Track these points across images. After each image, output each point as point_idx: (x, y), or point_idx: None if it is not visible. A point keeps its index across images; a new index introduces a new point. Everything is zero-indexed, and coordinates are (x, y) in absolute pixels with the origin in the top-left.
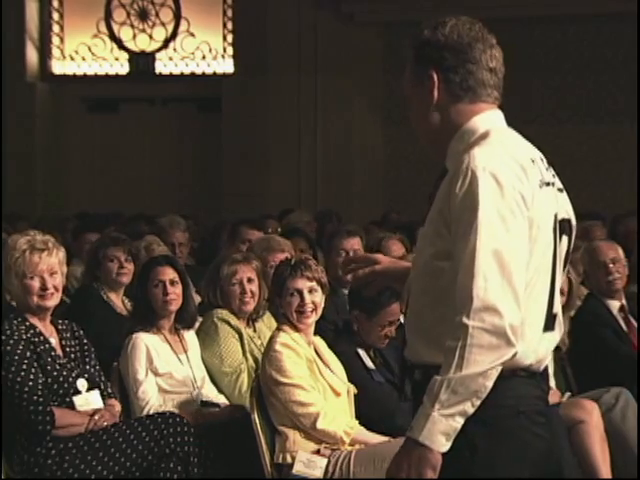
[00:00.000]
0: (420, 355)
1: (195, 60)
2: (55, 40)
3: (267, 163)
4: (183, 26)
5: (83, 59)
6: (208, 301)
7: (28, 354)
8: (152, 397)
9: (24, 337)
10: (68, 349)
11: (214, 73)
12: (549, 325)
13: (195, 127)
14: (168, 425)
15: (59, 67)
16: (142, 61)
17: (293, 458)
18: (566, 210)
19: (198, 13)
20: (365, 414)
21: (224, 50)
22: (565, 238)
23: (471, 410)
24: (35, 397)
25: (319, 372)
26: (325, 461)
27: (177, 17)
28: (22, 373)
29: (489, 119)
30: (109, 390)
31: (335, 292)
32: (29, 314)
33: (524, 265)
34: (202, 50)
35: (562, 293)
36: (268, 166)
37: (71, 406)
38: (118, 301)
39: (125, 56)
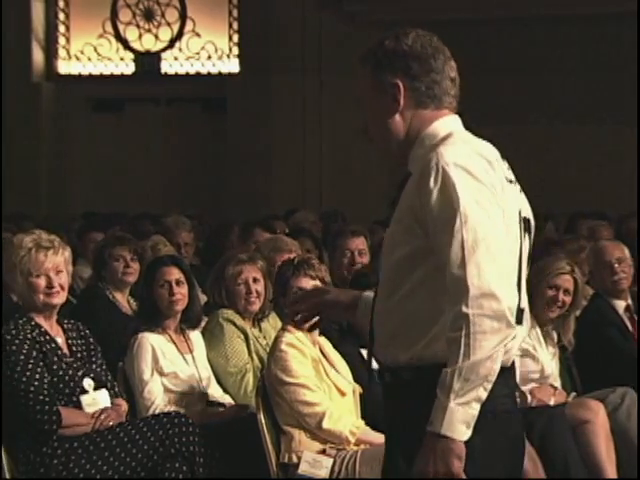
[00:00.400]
0: (390, 357)
1: (200, 60)
2: (61, 40)
3: (271, 163)
4: (189, 26)
5: (89, 59)
6: (214, 301)
7: (34, 353)
8: (158, 397)
9: (29, 336)
10: (74, 348)
11: (219, 73)
12: (518, 319)
13: (200, 127)
14: (173, 425)
15: (65, 67)
16: (147, 61)
17: (299, 458)
18: (527, 209)
19: (204, 13)
20: (370, 414)
21: (229, 50)
22: (527, 236)
23: (484, 395)
24: (41, 397)
25: (324, 372)
26: (331, 461)
27: (183, 17)
28: (28, 373)
29: (448, 123)
30: (116, 389)
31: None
32: (35, 313)
33: (508, 250)
34: (207, 50)
35: (568, 293)
36: (272, 166)
37: (78, 405)
38: (124, 301)
39: (130, 56)
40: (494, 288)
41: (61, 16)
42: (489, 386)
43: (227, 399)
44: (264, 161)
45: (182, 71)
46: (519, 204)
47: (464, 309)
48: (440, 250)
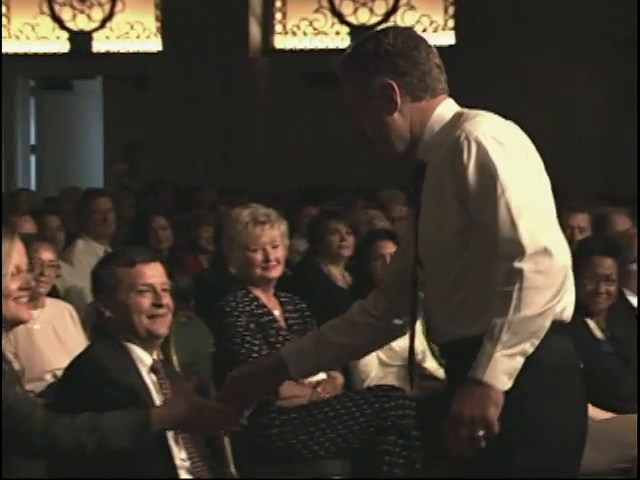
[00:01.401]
0: (455, 334)
1: None
2: None
3: None
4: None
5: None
6: None
7: (252, 326)
8: (373, 370)
9: (247, 309)
10: (291, 321)
11: None
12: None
13: None
14: (389, 398)
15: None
16: None
17: None
18: None
19: None
20: (590, 388)
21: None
22: None
23: (531, 350)
24: None
25: None
26: None
27: None
28: (246, 345)
29: (449, 106)
30: None
31: None
32: (252, 286)
33: (551, 210)
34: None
35: None
36: None
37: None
38: (339, 274)
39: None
40: (548, 245)
41: None
42: (537, 342)
43: (441, 373)
44: None
45: None
46: None
47: (517, 264)
48: (487, 220)
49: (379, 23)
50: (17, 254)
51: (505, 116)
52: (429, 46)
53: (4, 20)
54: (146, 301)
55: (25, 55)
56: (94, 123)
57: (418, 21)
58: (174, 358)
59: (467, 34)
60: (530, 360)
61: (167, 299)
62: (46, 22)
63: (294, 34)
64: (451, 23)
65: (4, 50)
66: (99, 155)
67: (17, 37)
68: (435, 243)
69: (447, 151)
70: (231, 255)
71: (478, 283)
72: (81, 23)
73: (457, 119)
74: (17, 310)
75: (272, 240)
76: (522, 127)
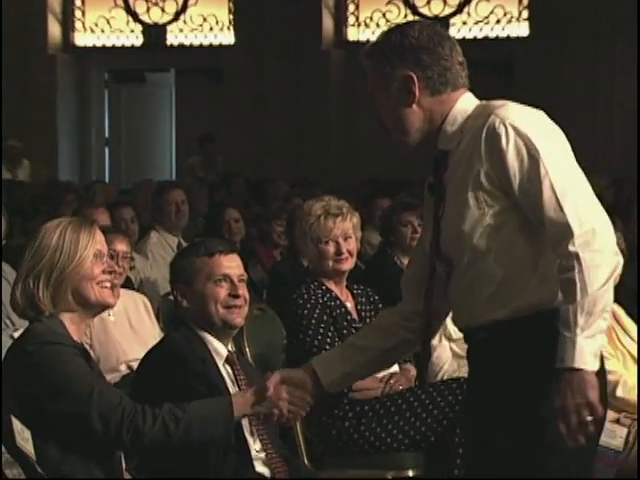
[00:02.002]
0: (487, 315)
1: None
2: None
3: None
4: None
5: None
6: None
7: (325, 318)
8: (446, 362)
9: (320, 301)
10: (363, 314)
11: None
12: None
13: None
14: (463, 391)
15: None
16: None
17: None
18: None
19: None
20: None
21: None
22: None
23: (605, 325)
24: None
25: (618, 339)
26: (625, 431)
27: None
28: (319, 337)
29: (471, 99)
30: None
31: (632, 259)
32: (325, 278)
33: (590, 189)
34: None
35: None
36: (562, 130)
37: None
38: None
39: None
40: (595, 224)
41: None
42: (608, 316)
43: None
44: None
45: None
46: None
47: (572, 248)
48: (531, 202)
49: (452, 14)
50: (98, 241)
51: (578, 108)
52: (453, 43)
53: (79, 13)
54: (223, 291)
55: (100, 48)
56: (167, 116)
57: (492, 12)
58: (247, 350)
59: (541, 25)
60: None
61: (243, 290)
62: (120, 15)
63: (367, 26)
64: (525, 14)
65: (79, 43)
66: (171, 148)
67: (92, 30)
68: (463, 231)
69: (478, 138)
70: (304, 247)
71: (509, 268)
72: (155, 16)
73: (483, 109)
74: (102, 294)
75: (344, 232)
76: (596, 119)
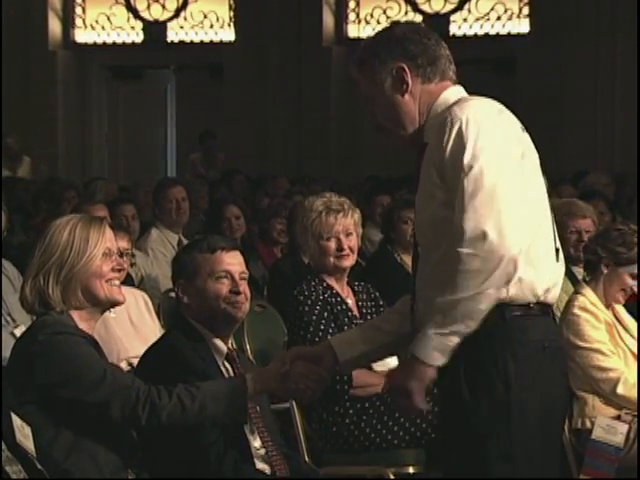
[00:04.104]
0: None
1: None
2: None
3: (562, 124)
4: None
5: None
6: None
7: (325, 314)
8: None
9: (321, 297)
10: (364, 310)
11: None
12: (557, 257)
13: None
14: None
15: None
16: None
17: (592, 423)
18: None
19: None
20: None
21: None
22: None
23: (466, 330)
24: None
25: (619, 337)
26: (626, 427)
27: None
28: (320, 333)
29: (455, 92)
30: None
31: None
32: (326, 275)
33: (519, 196)
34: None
35: None
36: (563, 127)
37: (368, 367)
38: None
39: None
40: (488, 230)
41: None
42: (472, 323)
43: None
44: (553, 124)
45: None
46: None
47: (457, 248)
48: (453, 198)
49: (453, 11)
50: (108, 239)
51: (579, 105)
52: (439, 39)
53: (79, 10)
54: (224, 288)
55: (100, 45)
56: (168, 112)
57: (492, 8)
58: (247, 347)
59: (542, 22)
60: (514, 340)
61: (245, 287)
62: (121, 12)
63: (368, 23)
64: (526, 10)
65: (80, 40)
66: (172, 144)
67: (92, 27)
68: (424, 219)
69: (436, 133)
70: (305, 244)
71: None
72: (155, 13)
73: (454, 103)
74: (111, 292)
75: (346, 229)
76: (597, 115)
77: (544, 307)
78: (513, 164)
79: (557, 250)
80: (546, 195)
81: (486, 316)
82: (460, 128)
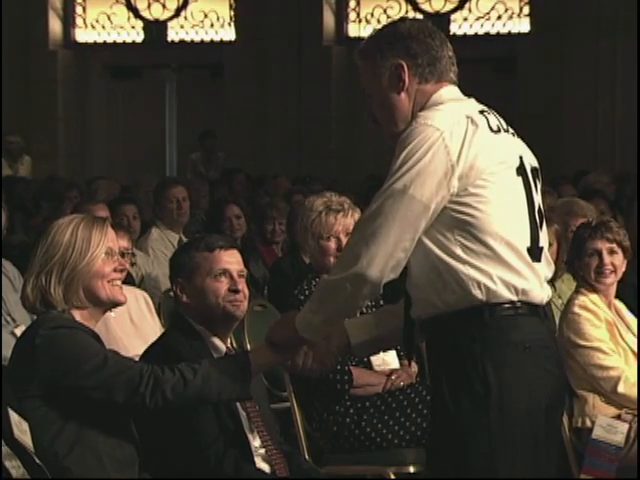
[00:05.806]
0: (430, 309)
1: None
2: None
3: (563, 124)
4: None
5: None
6: None
7: None
8: None
9: None
10: (364, 309)
11: None
12: (535, 256)
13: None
14: None
15: None
16: None
17: (592, 422)
18: (530, 156)
19: None
20: None
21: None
22: (537, 181)
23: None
24: None
25: (620, 335)
26: (626, 427)
27: None
28: None
29: (443, 95)
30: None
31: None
32: (326, 274)
33: (413, 221)
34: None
35: None
36: (563, 127)
37: (368, 366)
38: None
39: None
40: (362, 256)
41: None
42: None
43: None
44: (554, 123)
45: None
46: (519, 150)
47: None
48: None
49: (453, 10)
50: (110, 239)
51: (579, 105)
52: (444, 38)
53: (80, 10)
54: (222, 286)
55: (101, 44)
56: (168, 112)
57: (493, 8)
58: (248, 347)
59: (542, 21)
60: (493, 342)
61: (243, 285)
62: (121, 11)
63: (368, 22)
64: (526, 10)
65: (80, 39)
66: (172, 144)
67: (93, 27)
68: None
69: (401, 139)
70: (305, 244)
71: (439, 260)
72: (156, 12)
73: (427, 108)
74: (112, 292)
75: (346, 228)
76: (597, 115)
77: (531, 307)
78: (431, 188)
79: (540, 249)
80: (525, 195)
81: (467, 317)
82: (407, 143)
